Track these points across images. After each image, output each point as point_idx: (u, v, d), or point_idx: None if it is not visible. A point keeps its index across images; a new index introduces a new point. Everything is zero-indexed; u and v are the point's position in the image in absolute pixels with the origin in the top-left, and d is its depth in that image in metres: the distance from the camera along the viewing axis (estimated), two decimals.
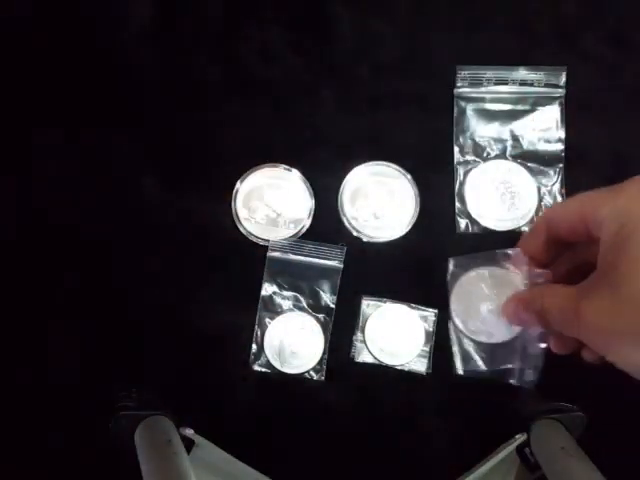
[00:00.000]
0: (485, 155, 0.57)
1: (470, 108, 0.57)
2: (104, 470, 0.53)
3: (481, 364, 0.50)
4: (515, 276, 0.39)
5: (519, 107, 0.57)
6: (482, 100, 0.57)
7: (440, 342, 0.55)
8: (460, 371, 0.51)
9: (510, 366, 0.44)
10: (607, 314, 0.28)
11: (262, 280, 0.56)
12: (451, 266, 0.53)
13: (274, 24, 0.59)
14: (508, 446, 0.48)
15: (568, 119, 0.56)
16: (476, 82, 0.56)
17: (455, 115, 0.57)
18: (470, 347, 0.49)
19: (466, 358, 0.48)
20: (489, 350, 0.50)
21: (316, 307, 0.56)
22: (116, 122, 0.58)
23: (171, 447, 0.44)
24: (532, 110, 0.57)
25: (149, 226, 0.57)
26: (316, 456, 0.54)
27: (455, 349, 0.50)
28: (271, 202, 0.57)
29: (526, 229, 0.56)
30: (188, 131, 0.58)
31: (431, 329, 0.55)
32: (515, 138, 0.57)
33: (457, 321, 0.50)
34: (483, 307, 0.46)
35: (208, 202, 0.57)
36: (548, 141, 0.57)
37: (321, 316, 0.56)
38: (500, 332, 0.48)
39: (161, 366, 0.55)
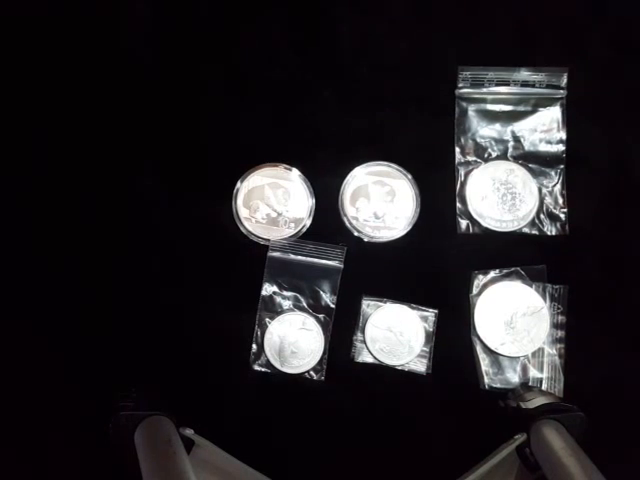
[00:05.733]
0: (486, 156, 0.57)
1: (471, 109, 0.57)
2: (104, 470, 0.53)
3: (510, 377, 0.52)
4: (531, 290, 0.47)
5: (520, 108, 0.57)
6: (483, 101, 0.57)
7: (440, 342, 0.55)
8: (487, 386, 0.52)
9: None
10: None
11: (262, 280, 0.56)
12: (476, 280, 0.55)
13: (274, 24, 0.59)
14: (508, 446, 0.48)
15: (569, 120, 0.56)
16: (478, 83, 0.56)
17: (456, 116, 0.57)
18: (499, 361, 0.51)
19: (494, 372, 0.50)
20: (516, 363, 0.52)
21: (316, 307, 0.56)
22: (116, 122, 0.58)
23: (171, 447, 0.44)
24: (533, 111, 0.57)
25: (149, 226, 0.57)
26: (316, 456, 0.54)
27: (482, 364, 0.52)
28: (271, 202, 0.57)
29: (527, 230, 0.56)
30: (188, 131, 0.58)
31: (431, 329, 0.55)
32: (516, 139, 0.57)
33: (482, 335, 0.52)
34: (508, 320, 0.48)
35: (208, 202, 0.57)
36: (549, 142, 0.57)
37: (321, 316, 0.56)
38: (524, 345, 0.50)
39: (161, 366, 0.55)
